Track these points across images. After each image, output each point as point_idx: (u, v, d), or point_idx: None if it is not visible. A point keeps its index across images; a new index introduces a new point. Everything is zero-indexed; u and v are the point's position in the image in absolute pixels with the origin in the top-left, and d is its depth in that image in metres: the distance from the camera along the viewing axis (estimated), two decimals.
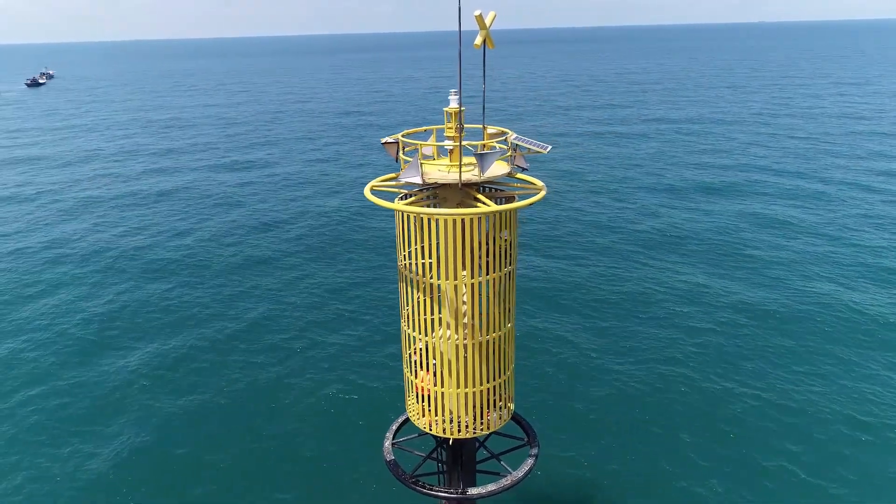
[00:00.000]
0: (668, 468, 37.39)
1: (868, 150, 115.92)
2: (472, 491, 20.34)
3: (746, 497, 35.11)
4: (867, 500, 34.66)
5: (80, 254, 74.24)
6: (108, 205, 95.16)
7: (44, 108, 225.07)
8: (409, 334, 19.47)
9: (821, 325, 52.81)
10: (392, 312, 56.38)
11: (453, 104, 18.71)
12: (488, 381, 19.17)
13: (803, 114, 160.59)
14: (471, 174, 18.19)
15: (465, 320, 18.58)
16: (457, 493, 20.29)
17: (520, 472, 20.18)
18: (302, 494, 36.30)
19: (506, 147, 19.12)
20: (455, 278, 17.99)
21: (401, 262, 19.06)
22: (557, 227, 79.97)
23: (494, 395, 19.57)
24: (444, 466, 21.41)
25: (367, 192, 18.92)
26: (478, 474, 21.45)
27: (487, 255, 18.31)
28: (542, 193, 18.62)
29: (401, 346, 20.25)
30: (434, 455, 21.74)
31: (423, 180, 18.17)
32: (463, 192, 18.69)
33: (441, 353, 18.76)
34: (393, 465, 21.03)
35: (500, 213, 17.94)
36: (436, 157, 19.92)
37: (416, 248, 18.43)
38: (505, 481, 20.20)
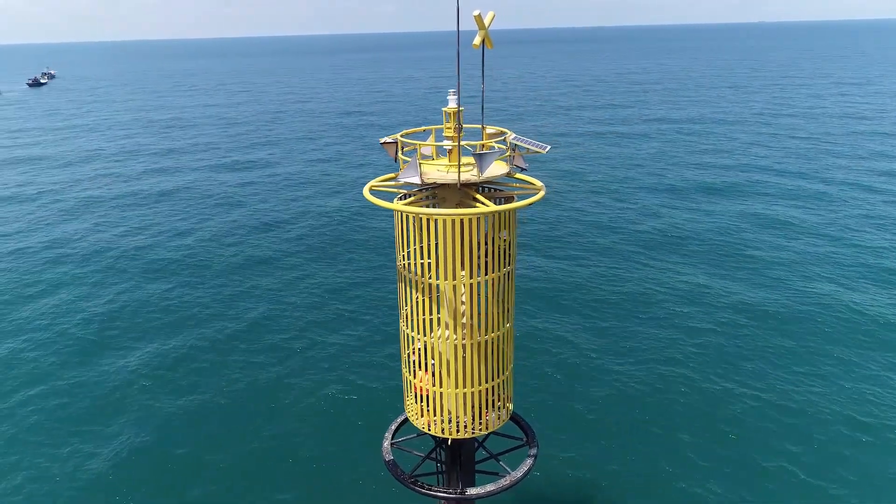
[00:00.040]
0: (668, 469, 37.35)
1: (869, 151, 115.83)
2: (471, 491, 20.32)
3: (746, 498, 35.07)
4: (867, 501, 34.61)
5: (81, 254, 74.28)
6: (108, 205, 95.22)
7: (45, 108, 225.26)
8: (407, 334, 19.45)
9: (821, 325, 52.76)
10: (392, 312, 56.36)
11: (452, 104, 18.71)
12: (487, 382, 19.15)
13: (804, 114, 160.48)
14: (470, 174, 18.18)
15: (464, 320, 18.56)
16: (455, 494, 20.28)
17: (519, 473, 20.16)
18: (301, 494, 36.29)
19: (504, 147, 19.10)
20: (454, 278, 17.98)
21: (400, 263, 19.06)
22: (558, 227, 79.94)
23: (493, 395, 19.56)
24: (443, 466, 21.40)
25: (366, 192, 18.91)
26: (477, 474, 21.43)
27: (486, 256, 18.30)
28: (542, 194, 18.60)
29: (400, 347, 20.24)
30: (433, 455, 21.74)
31: (422, 180, 18.16)
32: (462, 193, 18.68)
33: (440, 354, 18.75)
34: (392, 466, 21.03)
35: (499, 213, 17.92)
36: (435, 158, 19.91)
37: (415, 249, 18.43)
38: (504, 481, 20.19)
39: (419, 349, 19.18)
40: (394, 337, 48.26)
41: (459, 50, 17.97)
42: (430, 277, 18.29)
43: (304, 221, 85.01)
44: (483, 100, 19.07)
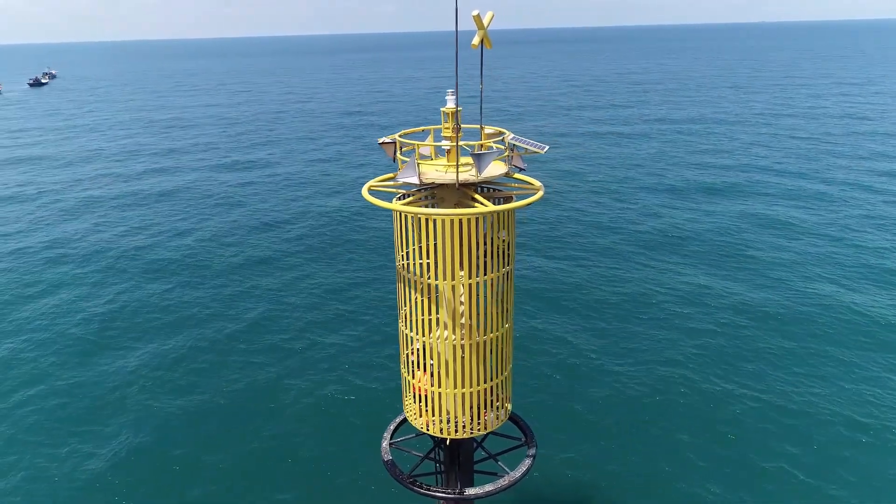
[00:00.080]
0: (668, 469, 37.31)
1: (870, 151, 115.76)
2: (470, 491, 20.29)
3: (746, 499, 35.02)
4: (867, 502, 34.55)
5: (81, 253, 74.28)
6: (108, 205, 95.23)
7: (46, 108, 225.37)
8: (406, 334, 19.42)
9: (822, 326, 52.69)
10: (391, 313, 56.32)
11: (450, 104, 18.68)
12: (486, 382, 19.12)
13: (805, 114, 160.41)
14: (468, 174, 18.15)
15: (463, 321, 18.53)
16: (454, 494, 20.25)
17: (517, 473, 20.13)
18: (301, 494, 36.27)
19: (503, 147, 19.07)
20: (453, 279, 17.94)
21: (399, 263, 19.03)
22: (558, 227, 79.90)
23: (492, 395, 19.53)
24: (442, 466, 21.37)
25: (364, 192, 18.88)
26: (475, 474, 21.39)
27: (485, 256, 18.27)
28: (540, 194, 18.56)
29: (399, 347, 20.22)
30: (432, 455, 21.70)
31: (420, 180, 18.12)
32: (460, 193, 18.64)
33: (438, 354, 18.72)
34: (390, 466, 20.99)
35: (498, 213, 17.88)
36: (433, 158, 19.88)
37: (414, 249, 18.40)
38: (502, 482, 20.15)
39: (418, 349, 19.15)
40: (393, 337, 48.22)
41: (458, 50, 17.93)
42: (429, 278, 18.26)
43: (304, 221, 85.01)
44: (482, 100, 19.04)
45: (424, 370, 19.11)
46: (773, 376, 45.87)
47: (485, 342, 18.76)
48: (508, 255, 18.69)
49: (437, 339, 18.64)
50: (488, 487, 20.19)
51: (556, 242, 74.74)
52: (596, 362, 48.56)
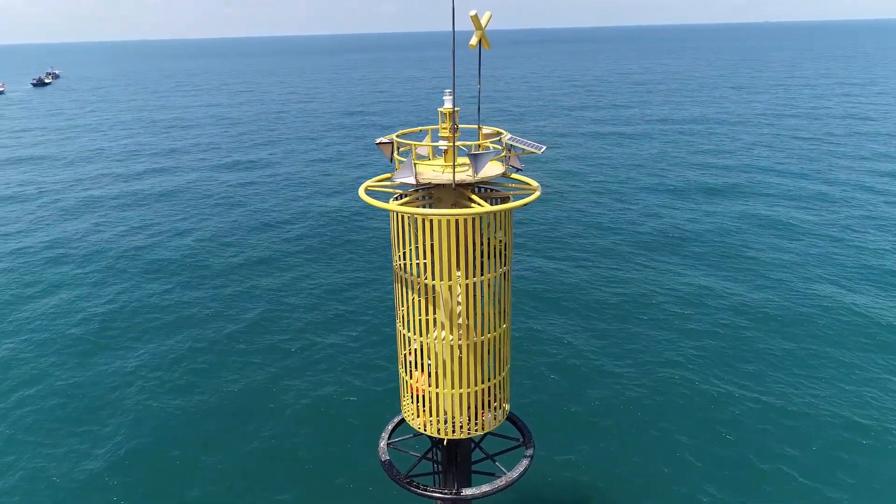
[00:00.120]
0: (666, 470, 37.25)
1: (872, 151, 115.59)
2: (467, 491, 20.25)
3: (744, 500, 34.96)
4: None
5: (81, 253, 74.32)
6: (109, 204, 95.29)
7: (48, 108, 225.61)
8: (404, 335, 19.40)
9: (822, 327, 52.60)
10: (391, 313, 56.26)
11: (447, 104, 18.66)
12: (483, 382, 19.09)
13: (807, 114, 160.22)
14: (465, 174, 18.12)
15: (460, 321, 18.50)
16: (451, 494, 20.22)
17: (515, 473, 20.10)
18: (300, 495, 36.25)
19: (500, 147, 19.05)
20: (450, 279, 17.92)
21: (396, 263, 19.01)
22: (558, 227, 79.83)
23: (490, 395, 19.50)
24: (439, 467, 21.34)
25: (361, 192, 18.86)
26: (473, 475, 21.36)
27: (482, 256, 18.25)
28: (537, 194, 18.54)
29: (396, 347, 20.20)
30: (429, 455, 21.67)
31: (417, 181, 18.10)
32: (457, 193, 18.61)
33: (436, 354, 18.69)
34: (388, 466, 20.96)
35: (495, 213, 17.86)
36: (431, 158, 19.85)
37: (410, 249, 18.37)
38: (500, 482, 20.11)
39: (416, 349, 19.13)
40: (392, 338, 48.22)
41: (455, 50, 17.91)
42: (426, 278, 18.24)
43: (304, 221, 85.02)
44: (479, 100, 19.02)
45: (422, 370, 19.09)
46: (773, 377, 45.80)
47: (482, 342, 18.74)
48: (505, 255, 18.67)
49: (435, 339, 18.62)
50: (486, 488, 20.15)
51: (556, 243, 74.69)
52: (595, 363, 48.51)
